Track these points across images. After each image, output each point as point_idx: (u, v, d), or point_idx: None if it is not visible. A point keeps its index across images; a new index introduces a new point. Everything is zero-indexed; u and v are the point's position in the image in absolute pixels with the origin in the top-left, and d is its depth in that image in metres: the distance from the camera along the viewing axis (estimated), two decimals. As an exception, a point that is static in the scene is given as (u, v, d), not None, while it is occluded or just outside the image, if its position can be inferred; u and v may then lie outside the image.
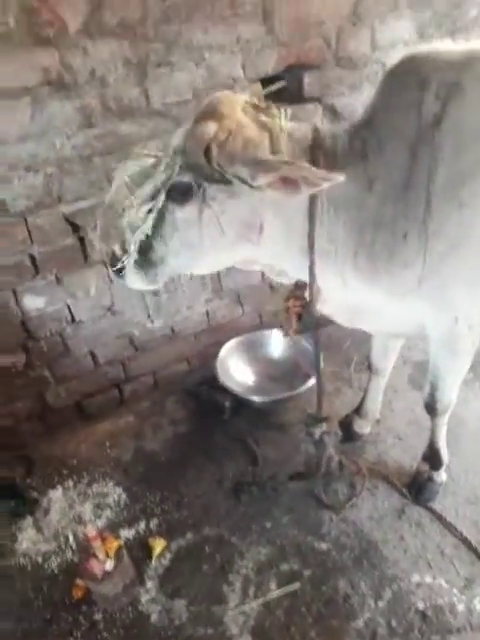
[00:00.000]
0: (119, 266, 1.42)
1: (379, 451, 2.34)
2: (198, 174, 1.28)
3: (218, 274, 2.49)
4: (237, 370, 2.63)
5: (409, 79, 1.33)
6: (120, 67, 1.79)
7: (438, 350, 1.72)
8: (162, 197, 1.30)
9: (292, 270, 1.58)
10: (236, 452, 2.38)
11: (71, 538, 2.11)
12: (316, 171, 1.20)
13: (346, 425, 2.36)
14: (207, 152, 1.25)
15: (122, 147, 1.94)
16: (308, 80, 2.25)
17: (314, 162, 1.32)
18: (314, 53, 2.21)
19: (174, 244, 1.38)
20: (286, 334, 1.87)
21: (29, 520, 2.20)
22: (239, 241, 1.41)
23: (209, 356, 2.64)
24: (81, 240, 2.05)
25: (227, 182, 1.28)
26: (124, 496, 2.25)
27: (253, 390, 2.63)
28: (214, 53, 1.96)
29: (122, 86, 1.83)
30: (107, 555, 1.85)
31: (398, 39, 2.41)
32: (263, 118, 1.34)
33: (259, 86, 2.03)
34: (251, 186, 1.25)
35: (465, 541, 1.95)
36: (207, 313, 2.59)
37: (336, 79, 2.33)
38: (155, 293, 2.34)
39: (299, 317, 1.75)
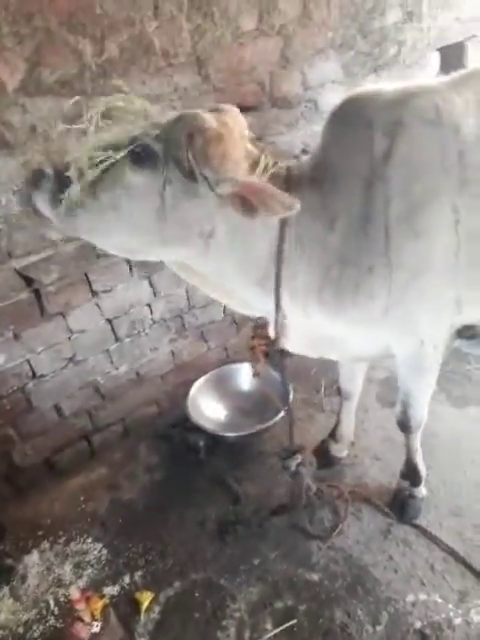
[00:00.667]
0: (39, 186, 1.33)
1: (358, 473, 2.33)
2: (169, 151, 1.23)
3: (180, 314, 2.50)
4: (208, 407, 2.61)
5: (355, 120, 1.42)
6: (60, 123, 1.83)
7: (406, 370, 1.77)
8: (123, 151, 1.24)
9: (249, 298, 1.58)
10: (216, 492, 2.33)
11: (52, 603, 2.00)
12: (278, 194, 1.20)
13: (323, 451, 2.35)
14: (190, 138, 1.21)
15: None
16: (247, 121, 2.34)
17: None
18: (250, 96, 2.32)
19: (106, 200, 1.28)
20: (256, 374, 1.88)
21: (5, 589, 2.07)
22: (175, 237, 1.34)
23: (178, 396, 2.62)
24: (36, 293, 2.03)
25: (191, 177, 1.24)
26: (105, 551, 2.16)
27: (226, 426, 2.60)
28: (153, 102, 2.01)
29: (65, 140, 1.86)
30: (93, 617, 1.76)
31: (326, 78, 2.56)
32: (253, 149, 1.39)
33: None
34: (213, 191, 1.24)
35: (453, 553, 1.95)
36: (172, 353, 2.58)
37: (273, 119, 2.44)
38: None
39: (266, 355, 1.76)
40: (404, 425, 1.91)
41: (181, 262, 1.48)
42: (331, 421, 2.60)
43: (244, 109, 2.32)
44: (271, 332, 1.62)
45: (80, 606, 1.70)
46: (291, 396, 2.47)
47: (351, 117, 1.43)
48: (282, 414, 2.41)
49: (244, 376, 2.76)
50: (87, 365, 2.31)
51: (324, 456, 2.34)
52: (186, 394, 2.56)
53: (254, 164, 1.35)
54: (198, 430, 2.44)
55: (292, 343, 1.66)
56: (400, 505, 2.11)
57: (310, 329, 1.62)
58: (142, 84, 1.97)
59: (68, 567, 2.12)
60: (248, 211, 1.22)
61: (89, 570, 2.10)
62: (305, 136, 2.61)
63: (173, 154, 1.23)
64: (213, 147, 1.23)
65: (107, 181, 1.27)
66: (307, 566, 1.99)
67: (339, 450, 2.35)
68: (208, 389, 2.64)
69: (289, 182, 1.39)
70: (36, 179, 1.34)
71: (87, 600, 1.76)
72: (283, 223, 1.38)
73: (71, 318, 2.16)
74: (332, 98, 2.62)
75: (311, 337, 1.68)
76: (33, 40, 1.67)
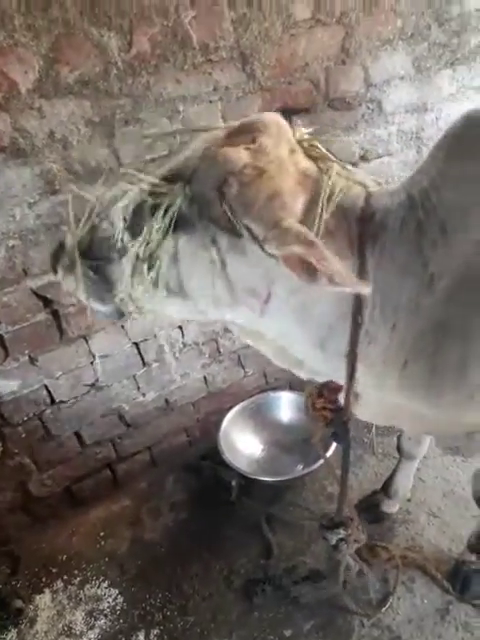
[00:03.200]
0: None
1: (412, 533, 2.01)
2: (202, 210, 0.97)
3: (215, 337, 2.26)
4: (243, 441, 2.36)
5: None
6: (82, 127, 1.63)
7: None
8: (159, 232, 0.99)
9: (309, 363, 1.23)
10: (247, 540, 2.08)
11: (60, 655, 1.82)
12: (338, 270, 0.86)
13: (372, 504, 2.04)
14: (222, 187, 0.94)
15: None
16: (299, 124, 2.06)
17: (361, 245, 1.01)
18: (302, 96, 2.03)
19: (167, 284, 1.07)
20: (314, 441, 1.58)
21: (13, 633, 1.91)
22: (234, 303, 1.09)
23: (211, 425, 2.38)
24: (54, 314, 1.85)
25: (236, 232, 0.97)
26: (120, 600, 1.96)
27: (263, 464, 2.34)
28: (189, 104, 1.79)
29: (87, 148, 1.65)
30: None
31: (393, 74, 2.23)
32: (311, 167, 1.04)
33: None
34: (262, 249, 0.96)
35: (526, 649, 1.60)
36: (205, 379, 2.35)
37: (329, 122, 2.14)
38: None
39: (328, 421, 1.45)
40: None
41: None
42: (383, 465, 2.29)
43: (295, 111, 2.08)
44: (341, 398, 1.29)
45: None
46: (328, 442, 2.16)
47: (477, 141, 1.01)
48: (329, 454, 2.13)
49: (285, 406, 2.49)
50: (111, 392, 2.11)
51: (372, 511, 2.03)
52: (219, 423, 2.32)
53: (314, 193, 1.00)
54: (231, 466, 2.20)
55: (360, 411, 1.33)
56: (463, 580, 1.77)
57: (386, 400, 1.25)
58: (177, 83, 1.73)
59: (80, 614, 1.93)
60: (307, 277, 0.90)
61: (102, 620, 1.90)
62: (365, 141, 2.30)
63: (209, 213, 0.97)
64: (254, 189, 0.94)
65: (157, 266, 1.04)
66: (345, 645, 1.71)
67: (390, 506, 2.03)
68: (244, 420, 2.39)
69: (366, 222, 1.02)
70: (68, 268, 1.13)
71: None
72: (363, 272, 1.02)
73: (93, 342, 1.96)
74: (398, 97, 2.29)
75: (385, 408, 1.31)
76: (50, 34, 1.46)
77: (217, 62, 1.79)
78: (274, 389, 2.54)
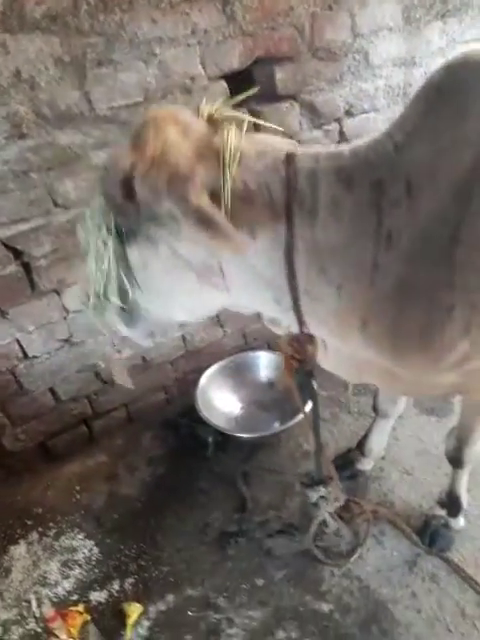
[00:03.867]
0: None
1: (384, 489, 2.04)
2: (124, 215, 1.03)
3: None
4: (221, 399, 2.36)
5: (464, 97, 0.94)
6: (51, 67, 1.54)
7: (472, 412, 1.44)
8: (108, 243, 1.06)
9: (285, 321, 1.24)
10: (222, 494, 2.10)
11: (35, 604, 1.84)
12: (224, 229, 0.92)
13: (347, 462, 2.07)
14: (126, 189, 0.98)
15: (65, 160, 1.68)
16: (281, 75, 1.98)
17: (288, 208, 0.99)
18: (286, 44, 1.94)
19: (141, 287, 1.14)
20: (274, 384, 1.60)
21: (-13, 582, 1.94)
22: (204, 286, 1.11)
23: (189, 383, 2.37)
24: (25, 267, 1.79)
25: (160, 222, 1.01)
26: (96, 550, 1.98)
27: (241, 421, 2.35)
28: (166, 47, 1.69)
29: (57, 89, 1.57)
30: (70, 634, 1.59)
31: (381, 24, 2.14)
32: (211, 136, 1.02)
33: (223, 85, 1.77)
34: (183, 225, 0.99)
35: (488, 597, 1.66)
36: (183, 338, 2.32)
37: (313, 72, 2.06)
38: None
39: (294, 370, 1.44)
40: (456, 460, 1.62)
41: None
42: (358, 424, 2.32)
43: (277, 60, 1.99)
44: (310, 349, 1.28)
45: (55, 624, 1.53)
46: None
47: (457, 93, 0.94)
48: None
49: (264, 365, 2.49)
50: (85, 347, 2.08)
51: (347, 468, 2.06)
52: (197, 382, 2.32)
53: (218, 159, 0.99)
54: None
55: (332, 365, 1.33)
56: (431, 534, 1.82)
57: (357, 355, 1.23)
58: (152, 23, 1.64)
59: (55, 565, 1.95)
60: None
61: (77, 570, 1.93)
62: (350, 95, 2.22)
63: (131, 215, 1.02)
64: (152, 179, 0.96)
65: (125, 271, 1.11)
66: (317, 594, 1.75)
67: (365, 463, 2.06)
68: (222, 378, 2.39)
69: (293, 185, 0.98)
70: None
71: (64, 616, 1.58)
72: (290, 235, 1.01)
73: (66, 296, 1.92)
74: (386, 49, 2.21)
75: (356, 364, 1.29)
76: (13, -39, 1.37)
77: (196, 2, 1.70)
78: (253, 349, 2.54)
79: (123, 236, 1.06)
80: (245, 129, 1.04)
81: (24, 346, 1.94)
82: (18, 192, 1.65)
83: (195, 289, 1.12)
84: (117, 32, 1.60)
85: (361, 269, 1.02)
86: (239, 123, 1.06)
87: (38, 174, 1.66)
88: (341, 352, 1.26)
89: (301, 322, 1.14)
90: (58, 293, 1.90)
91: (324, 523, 1.80)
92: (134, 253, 1.08)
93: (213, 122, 1.04)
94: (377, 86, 2.29)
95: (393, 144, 0.97)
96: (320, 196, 0.98)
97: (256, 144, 1.03)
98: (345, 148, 1.03)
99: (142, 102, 1.73)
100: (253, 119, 1.14)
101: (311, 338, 1.24)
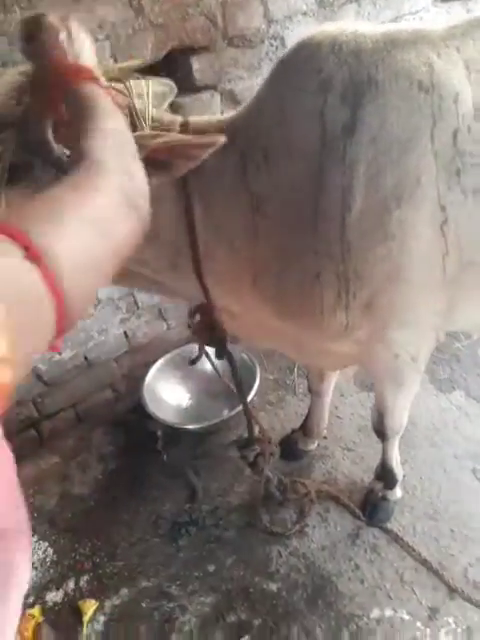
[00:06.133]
0: None
1: (328, 467, 2.12)
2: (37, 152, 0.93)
3: (131, 291, 2.22)
4: (169, 391, 2.38)
5: (306, 76, 1.01)
6: None
7: (382, 382, 1.48)
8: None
9: (171, 285, 1.27)
10: (173, 486, 2.14)
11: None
12: (194, 138, 0.92)
13: (290, 443, 2.13)
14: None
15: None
16: (197, 65, 1.95)
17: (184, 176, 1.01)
18: (199, 34, 1.90)
19: None
20: (192, 361, 1.64)
21: None
22: None
23: (136, 380, 2.38)
24: None
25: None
26: (50, 551, 2.00)
27: (190, 411, 2.39)
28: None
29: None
30: (23, 638, 1.61)
31: (295, 9, 2.12)
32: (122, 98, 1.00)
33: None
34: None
35: (425, 563, 1.76)
36: (125, 334, 2.32)
37: (230, 61, 2.04)
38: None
39: (206, 341, 1.49)
40: (380, 433, 1.68)
41: None
42: (304, 405, 2.38)
43: (193, 50, 1.96)
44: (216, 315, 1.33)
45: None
46: (256, 379, 2.25)
47: (301, 72, 1.02)
48: (250, 398, 2.20)
49: (210, 355, 2.51)
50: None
51: (291, 448, 2.12)
52: (144, 377, 2.33)
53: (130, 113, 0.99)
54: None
55: (240, 331, 1.39)
56: (371, 507, 1.91)
57: (264, 323, 1.30)
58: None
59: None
60: (161, 171, 0.92)
61: (32, 573, 1.94)
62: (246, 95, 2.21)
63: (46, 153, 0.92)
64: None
65: None
66: (265, 574, 1.82)
67: (308, 443, 2.13)
68: (169, 371, 2.40)
69: None
70: None
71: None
72: (187, 191, 1.05)
73: None
74: (302, 34, 2.19)
75: (263, 330, 1.37)
76: None
77: (99, -5, 1.65)
78: (199, 339, 2.55)
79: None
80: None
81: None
82: None
83: None
84: (16, 31, 1.54)
85: (245, 229, 1.11)
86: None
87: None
88: (245, 318, 1.32)
89: (203, 284, 1.18)
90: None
91: (268, 480, 1.86)
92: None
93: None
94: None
95: (251, 114, 1.07)
96: (207, 160, 1.00)
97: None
98: (227, 117, 1.12)
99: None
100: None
101: (213, 308, 1.29)
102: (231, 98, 2.08)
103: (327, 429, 2.18)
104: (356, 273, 1.07)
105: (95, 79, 0.81)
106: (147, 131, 0.96)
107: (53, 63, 0.81)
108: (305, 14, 2.13)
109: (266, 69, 2.12)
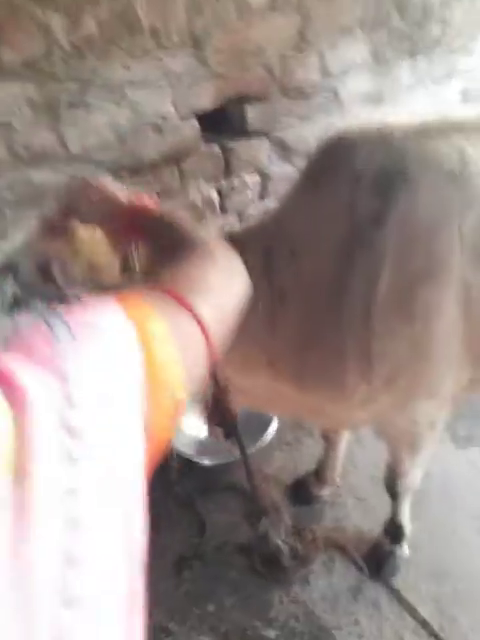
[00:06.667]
0: None
1: (338, 515, 2.13)
2: (32, 293, 0.97)
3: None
4: (188, 422, 2.42)
5: (337, 171, 1.07)
6: (26, 110, 1.59)
7: (398, 446, 1.50)
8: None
9: None
10: (182, 518, 2.17)
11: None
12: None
13: (302, 486, 2.15)
14: (46, 271, 0.95)
15: (37, 196, 1.74)
16: (252, 113, 2.06)
17: None
18: (256, 84, 2.01)
19: None
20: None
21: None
22: None
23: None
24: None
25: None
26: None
27: (206, 444, 2.42)
28: (138, 89, 1.76)
29: (31, 131, 1.63)
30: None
31: (351, 63, 2.22)
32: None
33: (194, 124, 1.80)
34: None
35: (426, 625, 1.75)
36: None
37: (284, 110, 2.13)
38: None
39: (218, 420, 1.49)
40: (392, 490, 1.70)
41: None
42: (320, 448, 2.38)
43: (249, 99, 2.06)
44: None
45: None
46: (266, 424, 2.28)
47: (333, 166, 1.08)
48: (268, 439, 2.24)
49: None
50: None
51: (302, 492, 2.14)
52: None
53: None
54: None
55: (254, 404, 1.42)
56: (377, 561, 1.90)
57: (273, 393, 1.32)
58: (125, 69, 1.70)
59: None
60: None
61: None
62: (321, 130, 2.30)
63: (41, 294, 0.95)
64: (75, 268, 0.95)
65: None
66: (265, 619, 1.83)
67: (320, 489, 2.15)
68: (188, 403, 2.44)
69: None
70: None
71: None
72: None
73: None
74: (356, 87, 2.28)
75: (277, 400, 1.38)
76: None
77: (169, 47, 1.76)
78: (222, 372, 2.60)
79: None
80: None
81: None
82: (-9, 227, 1.71)
83: None
84: (91, 77, 1.66)
85: (264, 317, 1.14)
86: None
87: (11, 209, 1.72)
88: (257, 391, 1.34)
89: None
90: (27, 321, 1.95)
91: (278, 550, 1.88)
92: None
93: None
94: (346, 121, 2.37)
95: (279, 216, 1.14)
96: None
97: None
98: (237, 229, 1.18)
99: (114, 142, 1.79)
100: None
101: (226, 392, 1.30)
102: (281, 145, 2.18)
103: (341, 476, 2.20)
104: (380, 351, 1.11)
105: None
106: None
107: (119, 201, 0.87)
108: (360, 68, 2.21)
109: (318, 119, 2.21)
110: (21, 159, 1.65)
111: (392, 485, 1.66)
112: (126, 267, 0.96)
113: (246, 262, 1.09)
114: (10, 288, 0.96)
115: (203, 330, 0.57)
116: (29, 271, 0.97)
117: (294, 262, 1.11)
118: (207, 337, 0.57)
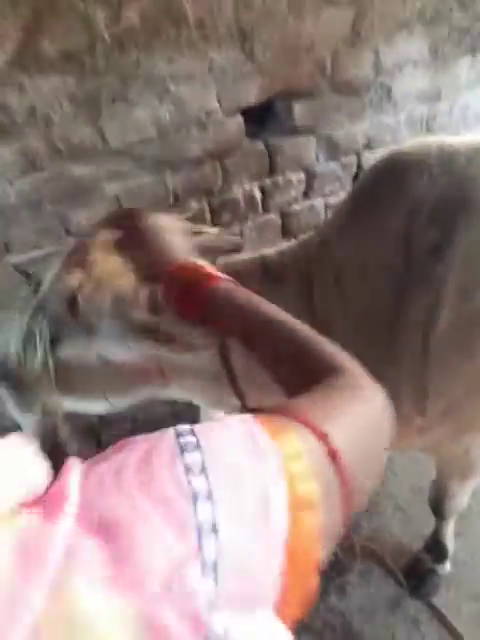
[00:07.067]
0: None
1: (375, 524, 2.06)
2: (63, 326, 0.97)
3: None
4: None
5: (393, 197, 0.97)
6: (66, 104, 1.58)
7: (447, 469, 1.42)
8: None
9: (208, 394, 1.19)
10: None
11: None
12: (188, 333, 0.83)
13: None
14: (72, 306, 0.95)
15: (77, 191, 1.73)
16: (299, 109, 1.98)
17: None
18: (305, 79, 1.93)
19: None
20: None
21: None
22: (137, 384, 1.06)
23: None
24: (36, 291, 1.85)
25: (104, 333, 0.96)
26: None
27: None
28: (181, 84, 1.72)
29: (71, 125, 1.61)
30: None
31: (406, 59, 2.10)
32: None
33: (239, 120, 1.77)
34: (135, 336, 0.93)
35: (466, 646, 1.67)
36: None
37: (333, 107, 2.05)
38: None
39: None
40: (437, 512, 1.62)
41: None
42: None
43: (296, 95, 1.99)
44: None
45: None
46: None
47: (389, 191, 0.97)
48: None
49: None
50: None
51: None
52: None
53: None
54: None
55: None
56: (417, 577, 1.83)
57: None
58: (168, 62, 1.66)
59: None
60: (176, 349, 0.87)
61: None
62: (371, 128, 2.21)
63: (70, 327, 0.95)
64: (99, 299, 0.92)
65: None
66: (299, 626, 1.77)
67: (358, 496, 2.07)
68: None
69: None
70: None
71: None
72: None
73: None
74: (410, 84, 2.17)
75: None
76: (30, 4, 1.39)
77: (214, 40, 1.70)
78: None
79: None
80: None
81: (32, 364, 2.00)
82: (31, 221, 1.71)
83: (123, 388, 1.06)
84: (133, 71, 1.63)
85: None
86: None
87: (51, 204, 1.71)
88: None
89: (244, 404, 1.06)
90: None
91: None
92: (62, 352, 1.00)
93: None
94: (399, 119, 2.27)
95: (322, 241, 1.04)
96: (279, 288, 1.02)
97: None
98: (271, 251, 1.09)
99: (155, 137, 1.75)
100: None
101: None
102: (328, 142, 2.10)
103: (380, 484, 2.12)
104: (436, 386, 1.03)
105: (218, 278, 0.79)
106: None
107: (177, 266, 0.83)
108: (416, 64, 2.10)
109: (368, 116, 2.12)
110: (60, 153, 1.64)
111: (438, 506, 1.59)
112: (153, 307, 0.90)
113: (285, 288, 1.04)
114: (45, 329, 0.96)
115: (345, 483, 0.48)
116: (57, 308, 0.96)
117: (339, 291, 1.02)
118: (348, 492, 0.48)
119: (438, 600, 1.79)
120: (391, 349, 1.02)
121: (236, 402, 1.17)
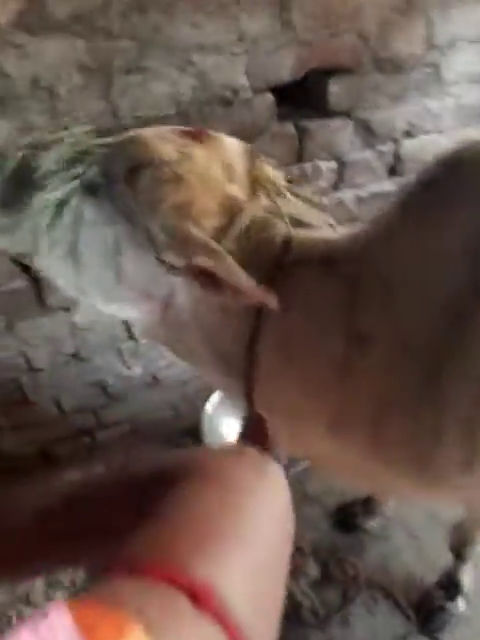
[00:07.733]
0: None
1: (385, 551, 1.93)
2: (109, 187, 0.87)
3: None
4: (227, 425, 2.25)
5: (457, 198, 0.80)
6: (74, 74, 1.36)
7: (474, 520, 1.32)
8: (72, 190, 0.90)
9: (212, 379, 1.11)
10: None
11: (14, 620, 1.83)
12: (244, 279, 0.79)
13: (348, 513, 1.95)
14: (134, 173, 0.85)
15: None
16: (335, 89, 1.74)
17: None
18: (345, 53, 1.69)
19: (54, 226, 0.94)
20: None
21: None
22: (124, 300, 0.96)
23: (200, 403, 2.26)
24: (35, 282, 1.68)
25: (134, 224, 0.87)
26: (80, 573, 1.94)
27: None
28: (206, 55, 1.48)
29: (78, 98, 1.39)
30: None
31: (462, 34, 1.85)
32: (241, 197, 0.92)
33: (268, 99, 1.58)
34: (157, 254, 0.85)
35: None
36: (196, 358, 2.20)
37: (373, 87, 1.80)
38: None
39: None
40: (456, 552, 1.48)
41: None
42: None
43: (333, 71, 1.75)
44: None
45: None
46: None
47: (454, 195, 0.80)
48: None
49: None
50: (93, 363, 1.97)
51: (347, 521, 1.94)
52: (205, 403, 2.21)
53: (233, 223, 0.89)
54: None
55: (303, 452, 1.21)
56: (426, 613, 1.71)
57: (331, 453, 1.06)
58: (193, 28, 1.42)
59: (38, 583, 1.92)
60: (210, 287, 0.81)
61: (60, 592, 1.90)
62: (412, 113, 1.97)
63: (111, 193, 0.86)
64: (164, 191, 0.84)
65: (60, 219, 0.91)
66: (298, 657, 1.68)
67: (367, 520, 1.94)
68: (231, 405, 2.27)
69: (284, 262, 0.88)
70: None
71: None
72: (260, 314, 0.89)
73: (75, 314, 1.80)
74: (463, 63, 1.92)
75: (331, 460, 1.13)
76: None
77: (248, 5, 1.46)
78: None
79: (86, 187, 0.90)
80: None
81: (30, 359, 1.85)
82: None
83: (106, 292, 0.96)
84: (151, 36, 1.40)
85: (332, 368, 0.90)
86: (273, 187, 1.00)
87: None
88: (311, 446, 1.10)
89: (254, 411, 0.97)
90: (67, 310, 1.78)
91: (299, 606, 1.71)
92: (81, 206, 0.90)
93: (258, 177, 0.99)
94: (445, 105, 2.02)
95: (372, 237, 0.87)
96: (295, 286, 0.89)
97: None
98: (336, 237, 0.94)
99: (173, 116, 1.54)
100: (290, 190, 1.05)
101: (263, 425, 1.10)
102: (364, 127, 1.86)
103: (392, 508, 1.98)
104: None
105: None
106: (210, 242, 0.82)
107: None
108: (472, 42, 1.85)
109: (411, 99, 1.88)
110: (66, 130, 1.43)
111: (459, 548, 1.44)
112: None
113: (323, 289, 0.89)
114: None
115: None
116: (119, 159, 0.88)
117: (386, 301, 0.85)
118: None
119: (447, 637, 1.68)
120: (438, 383, 0.85)
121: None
